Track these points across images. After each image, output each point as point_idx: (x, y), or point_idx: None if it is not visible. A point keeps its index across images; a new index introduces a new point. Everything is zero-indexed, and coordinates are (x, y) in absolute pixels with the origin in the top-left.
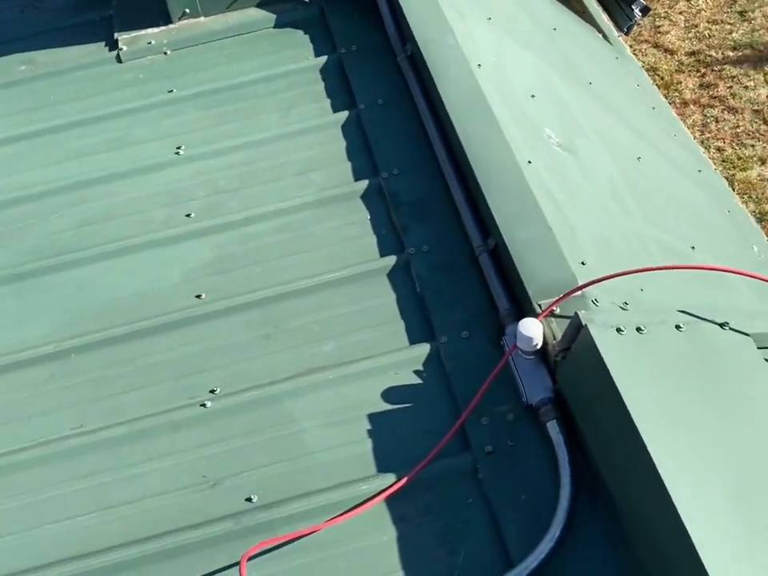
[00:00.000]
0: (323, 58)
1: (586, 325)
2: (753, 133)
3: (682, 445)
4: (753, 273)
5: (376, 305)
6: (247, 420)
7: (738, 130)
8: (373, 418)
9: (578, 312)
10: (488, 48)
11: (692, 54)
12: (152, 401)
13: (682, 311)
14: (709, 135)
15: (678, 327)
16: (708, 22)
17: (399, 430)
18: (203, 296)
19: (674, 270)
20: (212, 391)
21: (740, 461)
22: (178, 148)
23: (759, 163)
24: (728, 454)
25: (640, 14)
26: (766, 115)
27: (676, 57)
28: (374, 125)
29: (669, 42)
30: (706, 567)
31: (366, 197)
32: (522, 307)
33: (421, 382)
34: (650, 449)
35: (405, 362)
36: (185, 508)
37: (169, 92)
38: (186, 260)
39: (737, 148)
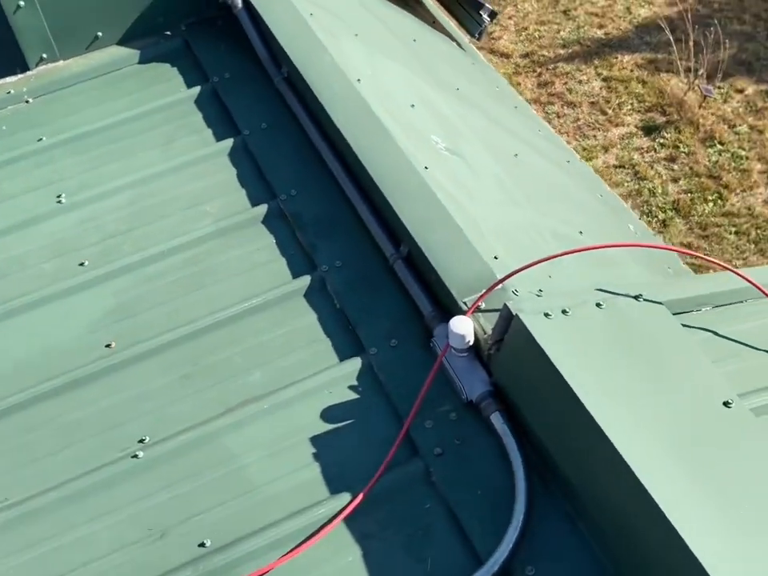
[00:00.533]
0: (196, 89)
1: (516, 314)
2: (593, 124)
3: (625, 412)
4: (640, 243)
5: (297, 327)
6: (185, 464)
7: (579, 123)
8: (316, 440)
9: (507, 303)
10: (362, 63)
11: (526, 55)
12: (79, 460)
13: (599, 289)
14: (553, 130)
15: (598, 305)
16: (536, 23)
17: (345, 448)
18: (113, 345)
19: (579, 252)
20: (141, 441)
21: (680, 420)
22: (58, 197)
23: (603, 152)
24: (668, 415)
25: (489, 19)
26: (602, 106)
27: (512, 60)
28: (262, 149)
29: (503, 46)
30: (669, 519)
31: (266, 221)
32: (446, 307)
33: (357, 396)
34: (598, 421)
35: (337, 379)
36: (138, 564)
37: (38, 140)
38: (88, 310)
39: (580, 140)
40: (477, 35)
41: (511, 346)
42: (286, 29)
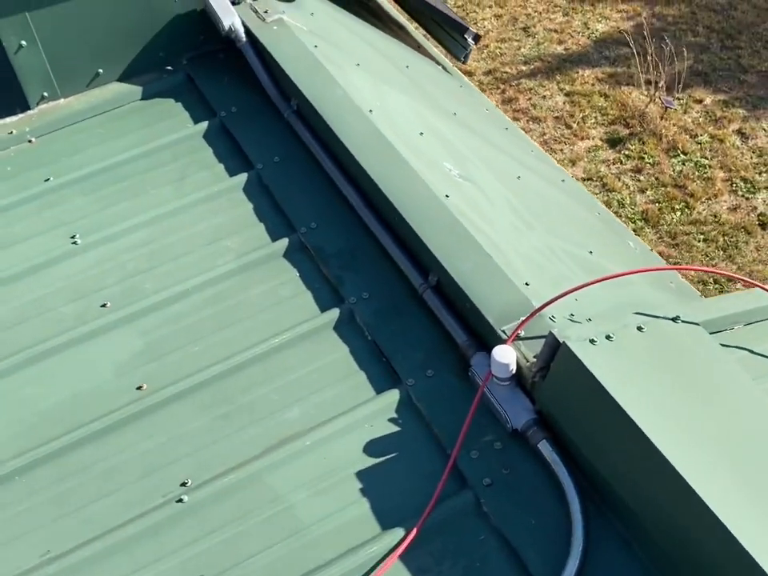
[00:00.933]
0: (204, 124)
1: (564, 342)
2: (558, 138)
3: (680, 434)
4: (667, 267)
5: (330, 360)
6: (230, 506)
7: (545, 138)
8: (361, 475)
9: (552, 331)
10: (369, 93)
11: (489, 72)
12: (122, 507)
13: (637, 313)
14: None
15: (639, 329)
16: (497, 41)
17: (391, 482)
18: (144, 387)
19: (613, 279)
20: (183, 484)
21: (733, 438)
22: (72, 237)
23: (570, 165)
24: (722, 434)
25: (473, 42)
26: (566, 120)
27: (475, 77)
28: (277, 182)
29: (465, 64)
30: (735, 536)
31: (288, 255)
32: (481, 336)
33: (399, 429)
34: (657, 444)
35: (377, 412)
36: None
37: (45, 181)
38: (115, 353)
39: (548, 154)
40: (462, 59)
41: (558, 374)
42: (296, 63)
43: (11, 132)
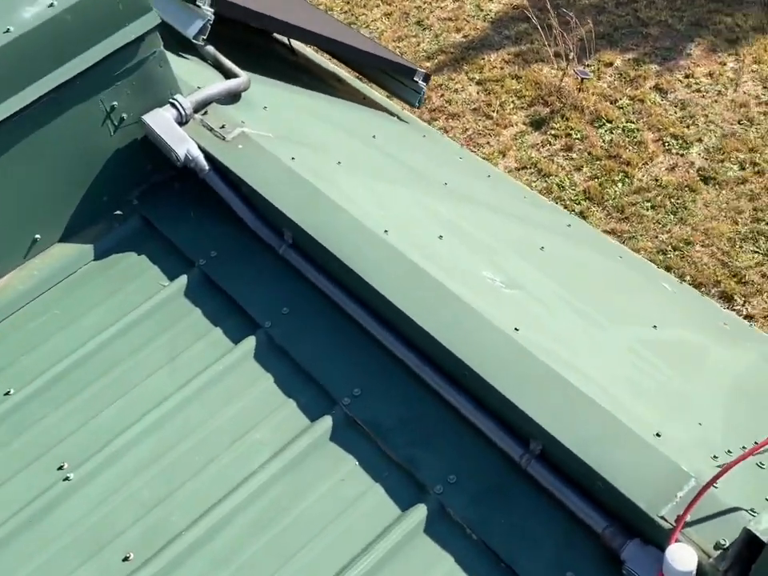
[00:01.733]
0: (182, 279)
1: None
2: (482, 131)
3: None
4: None
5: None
6: None
7: (468, 133)
8: None
9: (748, 528)
10: (369, 202)
11: None
12: None
13: None
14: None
15: None
16: (394, 40)
17: None
18: None
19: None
20: None
21: None
22: (60, 469)
23: (501, 156)
24: None
25: (424, 84)
26: (485, 111)
27: None
28: (295, 341)
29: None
30: None
31: (337, 437)
32: (623, 518)
33: None
34: None
35: None
36: None
37: (5, 395)
38: None
39: (475, 149)
40: (417, 103)
41: (762, 573)
42: (280, 189)
43: None
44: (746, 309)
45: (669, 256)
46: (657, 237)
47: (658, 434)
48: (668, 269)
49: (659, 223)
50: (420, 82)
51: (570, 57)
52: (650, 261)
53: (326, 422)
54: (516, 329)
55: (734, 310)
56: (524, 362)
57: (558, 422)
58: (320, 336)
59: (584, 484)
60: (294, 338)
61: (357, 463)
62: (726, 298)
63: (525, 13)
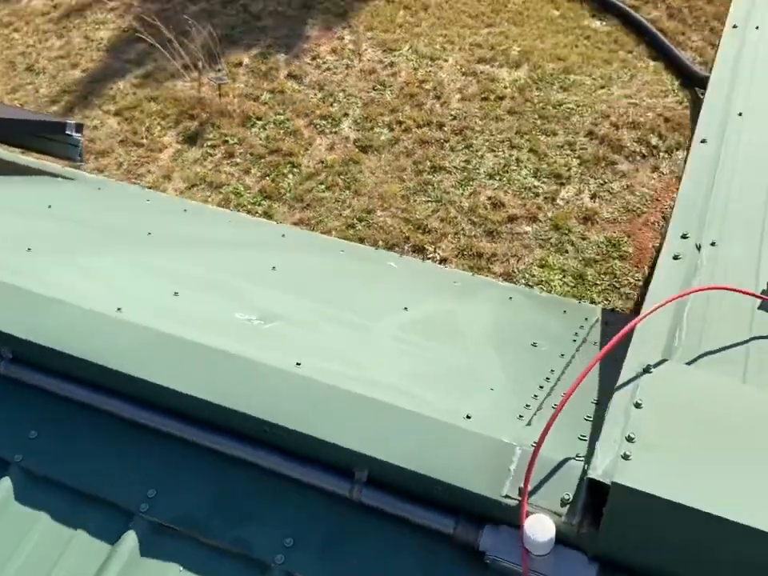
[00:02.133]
0: None
1: (613, 483)
2: (137, 161)
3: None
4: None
5: None
6: None
7: (125, 167)
8: None
9: (589, 476)
10: (84, 282)
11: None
12: None
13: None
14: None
15: (637, 405)
16: (8, 93)
17: None
18: None
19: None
20: None
21: None
22: None
23: (167, 181)
24: None
25: (79, 134)
26: (132, 140)
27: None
28: (60, 463)
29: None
30: None
31: (148, 551)
32: (476, 513)
33: None
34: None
35: None
36: None
37: None
38: None
39: (135, 180)
40: (79, 157)
41: (618, 514)
42: None
43: None
44: (438, 254)
45: (357, 228)
46: (341, 214)
47: (468, 416)
48: (361, 240)
49: (338, 201)
50: (74, 134)
51: (200, 66)
52: (343, 238)
53: (130, 539)
54: (298, 363)
55: (429, 258)
56: (316, 395)
57: (373, 442)
58: (84, 446)
59: (423, 494)
60: (56, 460)
61: (181, 569)
62: (419, 250)
63: (138, 35)
